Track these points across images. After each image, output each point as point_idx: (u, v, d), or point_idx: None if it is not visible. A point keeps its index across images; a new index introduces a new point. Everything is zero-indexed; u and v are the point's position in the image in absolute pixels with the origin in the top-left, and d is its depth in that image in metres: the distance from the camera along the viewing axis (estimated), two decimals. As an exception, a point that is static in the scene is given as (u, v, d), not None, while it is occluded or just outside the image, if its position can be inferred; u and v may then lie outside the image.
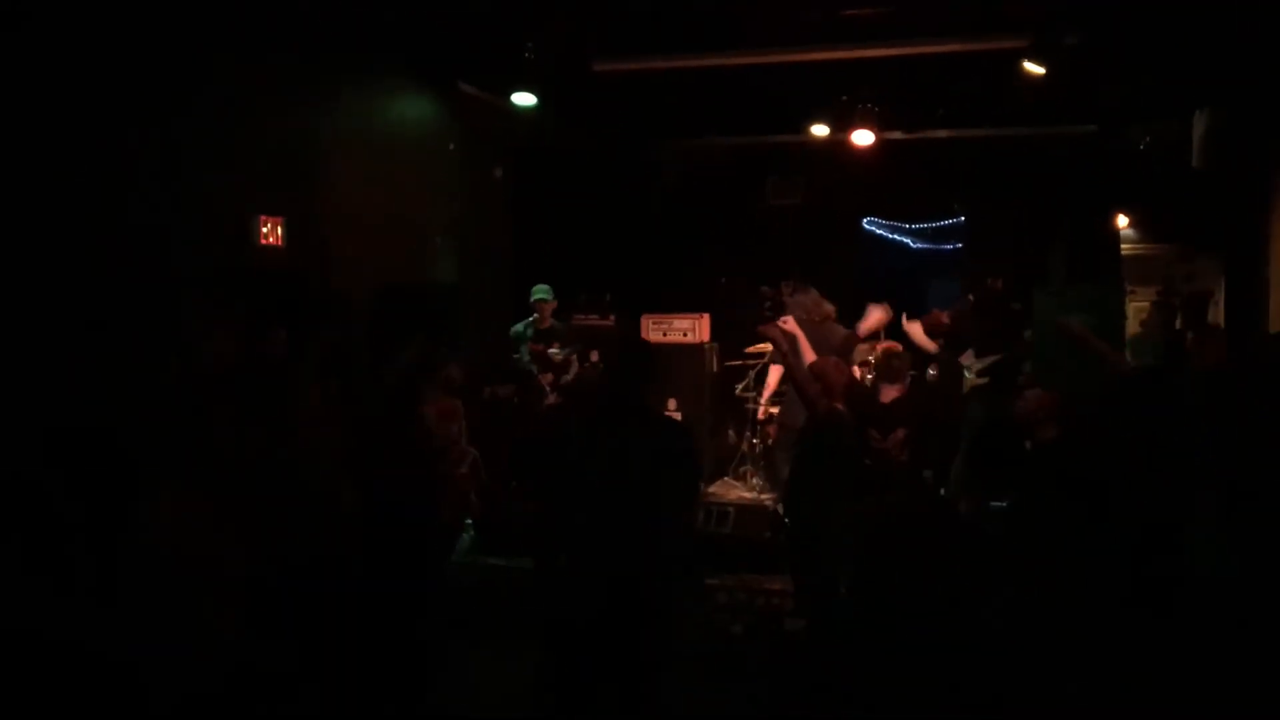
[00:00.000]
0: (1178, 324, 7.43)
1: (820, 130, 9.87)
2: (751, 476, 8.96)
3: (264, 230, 6.45)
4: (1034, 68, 7.59)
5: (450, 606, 5.67)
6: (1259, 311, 8.87)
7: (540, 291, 9.19)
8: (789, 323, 6.75)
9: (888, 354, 6.86)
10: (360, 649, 4.44)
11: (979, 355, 7.84)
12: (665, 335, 10.01)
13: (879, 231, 12.79)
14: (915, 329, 7.97)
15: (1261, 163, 8.60)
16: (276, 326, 5.17)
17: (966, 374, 7.86)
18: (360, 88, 7.82)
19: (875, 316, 7.36)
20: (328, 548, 4.23)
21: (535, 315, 9.21)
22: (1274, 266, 8.61)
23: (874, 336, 7.90)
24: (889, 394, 6.03)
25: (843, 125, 9.72)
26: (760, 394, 8.82)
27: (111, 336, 5.13)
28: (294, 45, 6.82)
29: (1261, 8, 7.14)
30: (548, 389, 8.73)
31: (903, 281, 11.83)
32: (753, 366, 9.25)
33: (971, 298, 8.44)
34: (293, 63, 6.84)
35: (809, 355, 6.30)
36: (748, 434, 9.22)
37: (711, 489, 9.08)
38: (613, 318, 10.17)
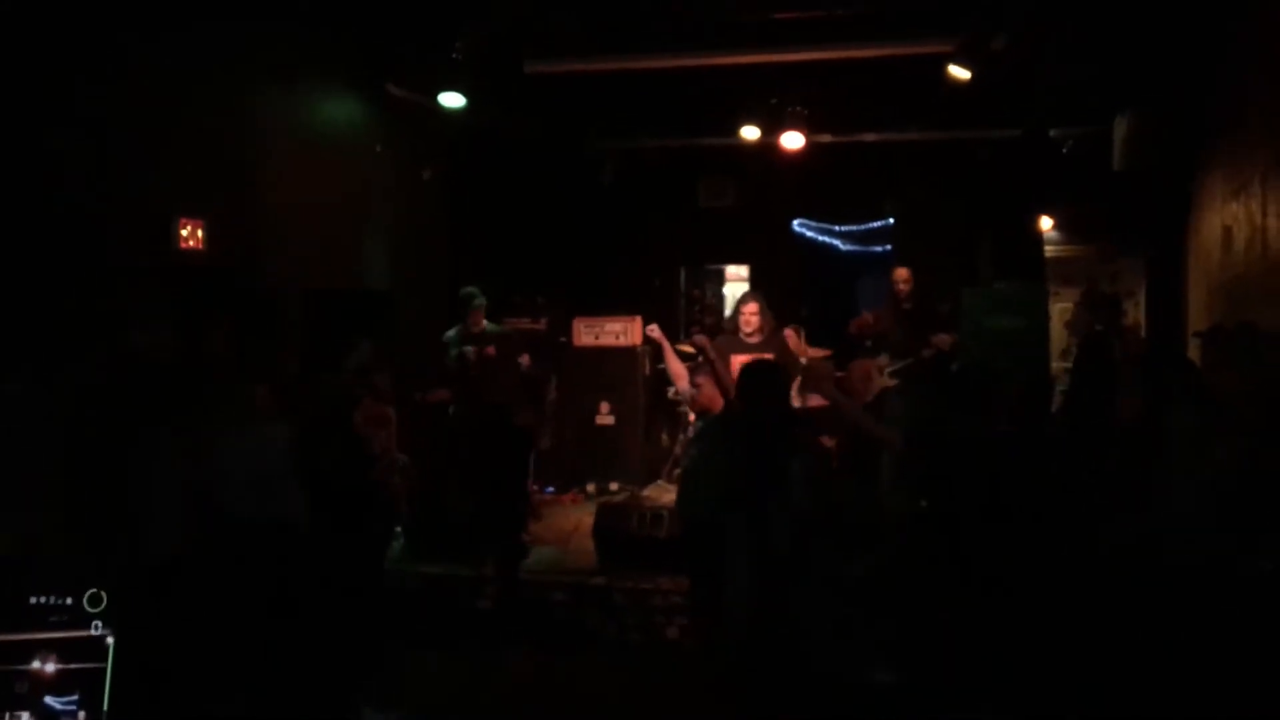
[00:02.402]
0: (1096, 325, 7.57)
1: (751, 133, 9.89)
2: (685, 479, 8.94)
3: (184, 233, 6.30)
4: (960, 72, 7.67)
5: (385, 611, 5.61)
6: (1179, 311, 9.07)
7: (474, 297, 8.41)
8: (654, 330, 6.84)
9: (809, 365, 6.87)
10: (296, 648, 4.38)
11: (895, 358, 7.90)
12: (598, 338, 9.94)
13: (809, 234, 12.84)
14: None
15: (1181, 165, 8.78)
16: (215, 326, 5.11)
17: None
18: (287, 90, 7.67)
19: None
20: (271, 544, 4.19)
21: (469, 321, 8.37)
22: (1193, 267, 8.81)
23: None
24: (812, 404, 6.03)
25: (773, 128, 9.75)
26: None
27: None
28: (220, 45, 6.67)
29: (1181, 13, 7.30)
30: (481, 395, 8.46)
31: (836, 282, 11.92)
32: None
33: (882, 304, 8.51)
34: (219, 64, 6.69)
35: (672, 364, 6.52)
36: (681, 436, 9.20)
37: (645, 492, 9.05)
38: (544, 320, 10.08)
